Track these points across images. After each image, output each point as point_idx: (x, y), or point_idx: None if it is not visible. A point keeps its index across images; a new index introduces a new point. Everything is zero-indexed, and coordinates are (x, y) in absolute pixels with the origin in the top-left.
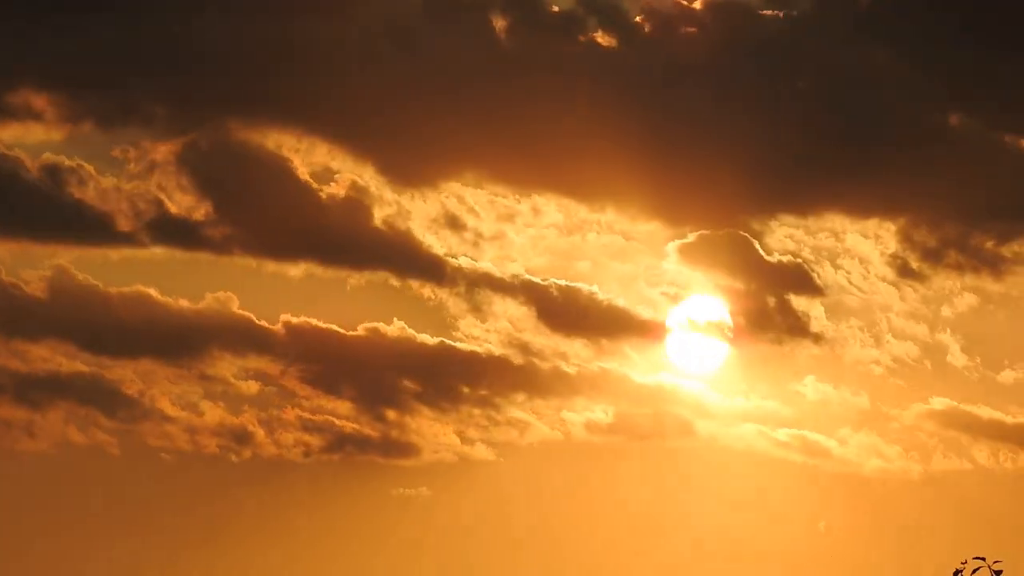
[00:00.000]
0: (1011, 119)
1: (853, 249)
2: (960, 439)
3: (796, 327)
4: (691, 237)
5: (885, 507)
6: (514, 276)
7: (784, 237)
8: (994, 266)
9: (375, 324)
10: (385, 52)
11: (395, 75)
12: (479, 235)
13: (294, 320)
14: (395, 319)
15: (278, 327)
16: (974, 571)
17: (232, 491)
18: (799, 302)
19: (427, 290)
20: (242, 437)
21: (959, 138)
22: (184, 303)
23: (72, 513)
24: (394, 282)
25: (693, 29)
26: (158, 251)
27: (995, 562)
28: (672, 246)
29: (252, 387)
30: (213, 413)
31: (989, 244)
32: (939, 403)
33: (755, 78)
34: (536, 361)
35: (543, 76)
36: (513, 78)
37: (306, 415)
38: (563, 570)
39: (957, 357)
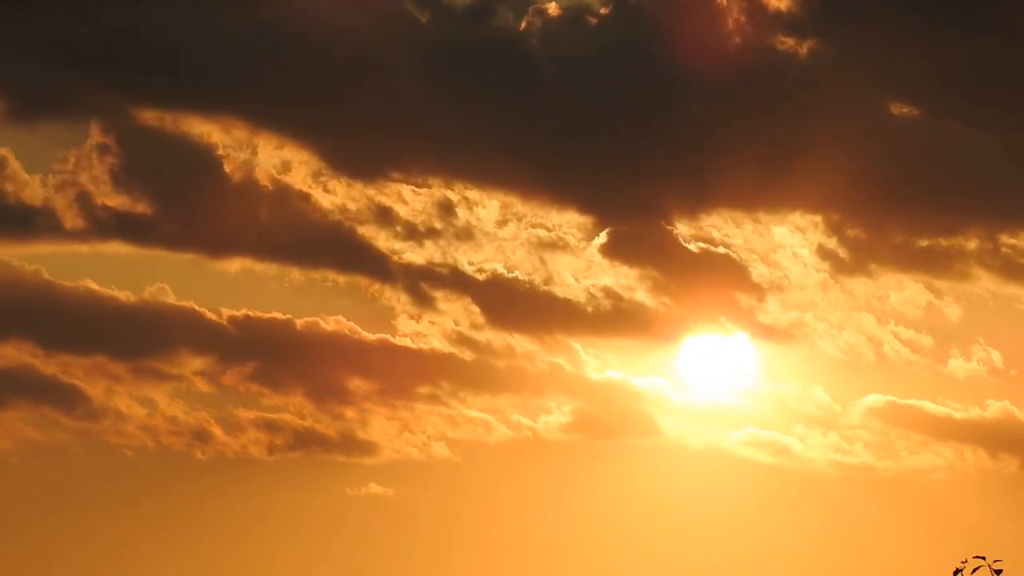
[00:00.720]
0: (952, 107)
1: (788, 244)
2: (912, 435)
3: (737, 322)
4: (607, 232)
5: (842, 504)
6: (457, 271)
7: (714, 230)
8: (933, 259)
9: (321, 321)
10: (312, 44)
11: (328, 68)
12: (416, 229)
13: (237, 314)
14: (337, 316)
15: (225, 323)
16: (974, 570)
17: (189, 489)
18: (738, 296)
19: (369, 285)
20: (198, 435)
21: (896, 128)
22: (124, 298)
23: (33, 511)
24: (335, 278)
25: (619, 20)
26: (95, 246)
27: (995, 561)
28: (600, 240)
29: (204, 385)
30: (159, 411)
31: (926, 236)
32: (885, 398)
33: (682, 71)
34: (485, 358)
35: (470, 67)
36: (441, 69)
37: (257, 413)
38: (523, 569)
39: (902, 351)
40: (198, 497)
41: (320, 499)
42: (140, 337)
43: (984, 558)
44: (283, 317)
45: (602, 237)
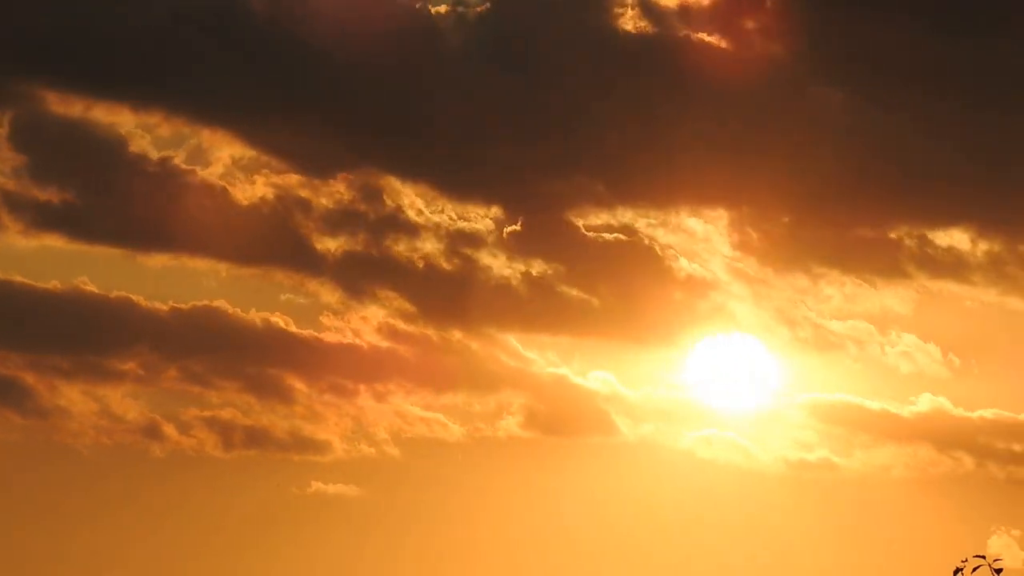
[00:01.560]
0: (878, 91)
1: (711, 238)
2: (852, 431)
3: (675, 317)
4: (520, 224)
5: (795, 502)
6: (382, 261)
7: (636, 223)
8: (863, 253)
9: (245, 314)
10: (233, 35)
11: (249, 60)
12: (337, 220)
13: (165, 307)
14: (273, 311)
15: (166, 317)
16: (974, 569)
17: (141, 485)
18: (672, 291)
19: (302, 281)
20: (148, 432)
21: (819, 116)
22: (53, 288)
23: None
24: (262, 272)
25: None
26: (20, 241)
27: (995, 560)
28: (513, 234)
29: (144, 386)
30: (92, 407)
31: (855, 228)
32: (822, 395)
33: (596, 60)
34: (425, 353)
35: (385, 57)
36: (359, 59)
37: (198, 411)
38: (491, 566)
39: (835, 343)
40: (150, 493)
41: (271, 497)
42: (71, 332)
43: (984, 557)
44: (219, 313)
45: (505, 234)
